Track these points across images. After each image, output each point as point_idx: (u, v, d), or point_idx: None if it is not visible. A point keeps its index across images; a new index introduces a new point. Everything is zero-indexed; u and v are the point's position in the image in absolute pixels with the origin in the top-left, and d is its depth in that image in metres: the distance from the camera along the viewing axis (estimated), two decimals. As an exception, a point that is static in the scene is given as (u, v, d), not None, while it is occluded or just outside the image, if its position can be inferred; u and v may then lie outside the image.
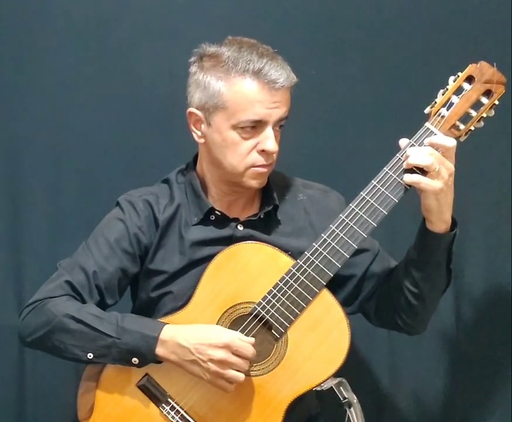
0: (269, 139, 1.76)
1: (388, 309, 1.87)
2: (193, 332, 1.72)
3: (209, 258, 1.79)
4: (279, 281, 1.72)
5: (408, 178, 1.67)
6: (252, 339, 1.72)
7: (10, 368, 2.30)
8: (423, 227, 1.74)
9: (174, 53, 2.26)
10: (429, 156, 1.65)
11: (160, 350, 1.72)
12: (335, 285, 1.77)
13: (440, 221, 1.72)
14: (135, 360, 1.74)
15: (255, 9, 2.31)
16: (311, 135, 2.29)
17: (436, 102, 1.70)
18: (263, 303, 1.73)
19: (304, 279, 1.71)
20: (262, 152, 1.78)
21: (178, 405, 1.76)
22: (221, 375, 1.70)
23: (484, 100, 1.69)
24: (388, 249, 1.95)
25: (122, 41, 2.29)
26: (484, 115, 1.70)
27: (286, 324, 1.72)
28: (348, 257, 1.71)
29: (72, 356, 1.76)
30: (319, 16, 2.31)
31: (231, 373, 1.70)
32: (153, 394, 1.76)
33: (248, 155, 1.78)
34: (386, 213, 1.69)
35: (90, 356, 1.75)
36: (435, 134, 1.68)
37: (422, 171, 1.66)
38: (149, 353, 1.72)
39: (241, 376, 1.70)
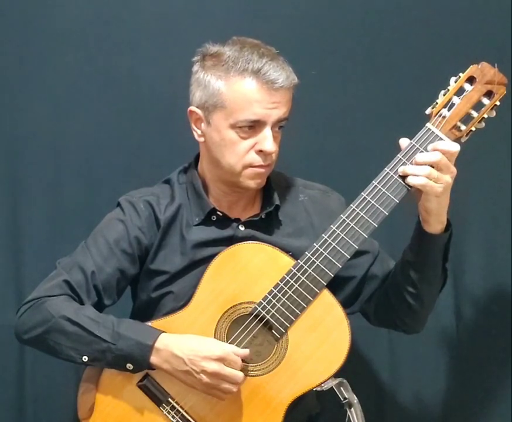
0: (267, 140, 1.76)
1: (387, 310, 1.87)
2: (187, 343, 1.72)
3: (210, 258, 1.79)
4: (280, 281, 1.72)
5: (413, 180, 1.67)
6: (247, 351, 1.72)
7: (10, 368, 2.30)
8: (419, 228, 1.75)
9: (174, 53, 2.26)
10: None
11: (154, 359, 1.72)
12: (335, 286, 1.77)
13: (437, 222, 1.73)
14: (129, 365, 1.73)
15: (255, 9, 2.31)
16: (312, 135, 2.29)
17: (437, 103, 1.70)
18: (264, 303, 1.73)
19: (305, 280, 1.71)
20: (260, 152, 1.78)
21: (178, 405, 1.76)
22: (214, 387, 1.70)
23: (485, 101, 1.69)
24: (388, 250, 1.95)
25: (122, 41, 2.29)
26: (485, 116, 1.70)
27: (287, 324, 1.72)
28: (348, 257, 1.71)
29: (67, 358, 1.76)
30: (319, 16, 2.30)
31: (224, 385, 1.70)
32: (154, 394, 1.76)
33: (246, 155, 1.78)
34: (387, 214, 1.70)
35: (85, 358, 1.75)
36: (436, 135, 1.69)
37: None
38: (143, 360, 1.72)
39: (234, 389, 1.70)
